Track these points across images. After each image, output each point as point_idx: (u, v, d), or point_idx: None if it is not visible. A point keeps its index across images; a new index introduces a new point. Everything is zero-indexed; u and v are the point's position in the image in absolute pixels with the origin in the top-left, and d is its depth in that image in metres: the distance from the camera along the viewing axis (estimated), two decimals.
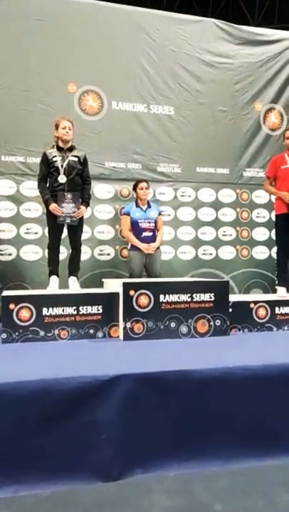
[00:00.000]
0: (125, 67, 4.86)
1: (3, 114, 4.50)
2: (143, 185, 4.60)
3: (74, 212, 3.91)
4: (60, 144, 3.96)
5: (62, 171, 3.88)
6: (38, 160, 4.08)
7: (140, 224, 4.54)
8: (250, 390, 2.65)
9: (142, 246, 4.48)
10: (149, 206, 4.64)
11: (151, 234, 4.59)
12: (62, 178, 3.86)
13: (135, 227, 4.55)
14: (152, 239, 4.57)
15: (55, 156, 3.91)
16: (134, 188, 4.66)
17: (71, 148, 4.01)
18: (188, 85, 5.07)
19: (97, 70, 4.76)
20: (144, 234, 4.55)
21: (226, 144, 5.22)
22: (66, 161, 3.90)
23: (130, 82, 4.89)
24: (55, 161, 3.88)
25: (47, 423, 2.27)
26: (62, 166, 3.89)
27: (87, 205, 4.05)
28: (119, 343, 3.28)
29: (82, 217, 4.06)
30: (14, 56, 4.52)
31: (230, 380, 2.60)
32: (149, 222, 4.57)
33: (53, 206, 3.85)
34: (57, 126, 3.94)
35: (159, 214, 4.68)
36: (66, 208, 3.87)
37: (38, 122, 4.50)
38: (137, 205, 4.62)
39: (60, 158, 3.90)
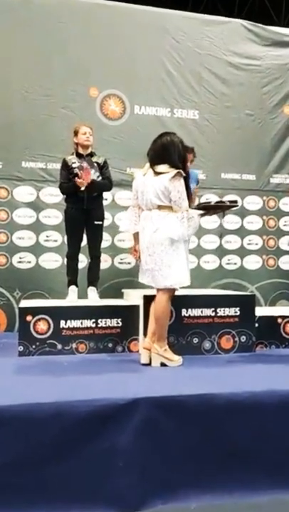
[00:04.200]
0: (148, 70, 4.73)
1: (24, 120, 4.42)
2: (189, 157, 3.92)
3: (98, 177, 3.78)
4: (80, 151, 3.86)
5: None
6: (59, 166, 3.99)
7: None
8: (277, 417, 2.47)
9: None
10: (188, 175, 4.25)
11: None
12: (81, 188, 3.74)
13: None
14: None
15: (75, 163, 3.80)
16: None
17: (91, 155, 3.89)
18: (213, 88, 4.90)
19: (120, 73, 4.64)
20: None
21: (252, 149, 5.03)
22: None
23: (153, 85, 4.75)
24: (75, 168, 3.77)
25: (61, 449, 2.14)
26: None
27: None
28: (138, 361, 3.12)
29: (102, 225, 3.94)
30: (36, 60, 4.45)
31: (255, 406, 2.43)
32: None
33: (79, 173, 3.68)
34: (76, 132, 3.83)
35: (197, 183, 4.26)
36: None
37: (60, 127, 4.41)
38: None
39: (79, 164, 3.79)
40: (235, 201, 3.30)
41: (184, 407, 2.32)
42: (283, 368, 3.06)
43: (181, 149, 3.04)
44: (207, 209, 3.17)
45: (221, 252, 4.98)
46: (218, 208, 3.32)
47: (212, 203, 3.28)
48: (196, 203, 4.27)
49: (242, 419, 2.41)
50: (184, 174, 2.99)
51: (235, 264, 5.06)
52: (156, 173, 3.00)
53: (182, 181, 2.97)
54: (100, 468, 2.14)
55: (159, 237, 2.96)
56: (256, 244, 5.09)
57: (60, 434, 2.14)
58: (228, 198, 5.00)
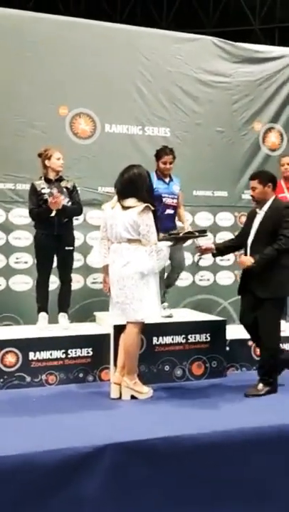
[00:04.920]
0: (119, 88, 4.67)
1: None
2: (168, 158, 4.00)
3: (68, 203, 3.73)
4: (50, 176, 3.80)
5: None
6: (28, 186, 3.92)
7: (164, 199, 3.95)
8: (247, 454, 2.52)
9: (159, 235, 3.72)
10: (171, 179, 4.11)
11: (173, 212, 4.06)
12: (52, 212, 3.69)
13: (158, 204, 3.77)
14: (173, 219, 4.06)
15: (44, 188, 3.74)
16: (157, 157, 4.09)
17: (60, 179, 3.85)
18: (184, 106, 4.88)
19: (89, 91, 4.57)
20: (168, 211, 4.00)
21: (223, 166, 5.04)
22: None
23: (124, 103, 4.70)
24: (44, 194, 3.72)
25: (27, 502, 2.12)
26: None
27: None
28: (108, 394, 3.10)
29: (73, 250, 3.90)
30: (4, 79, 4.34)
31: (223, 444, 2.46)
32: (173, 198, 4.03)
33: (50, 200, 3.62)
34: (50, 156, 3.77)
35: (180, 189, 4.16)
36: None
37: (28, 147, 4.29)
38: (159, 177, 4.06)
39: (50, 190, 3.74)
40: (205, 231, 3.31)
41: (152, 450, 2.33)
42: (251, 401, 3.08)
43: (149, 181, 3.03)
44: (176, 240, 3.18)
45: (194, 268, 5.00)
46: (187, 239, 3.33)
47: (181, 235, 3.28)
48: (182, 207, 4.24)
49: (213, 459, 2.44)
50: (152, 208, 2.98)
51: (208, 280, 5.08)
52: (125, 207, 2.99)
53: (151, 215, 2.97)
54: None
55: (129, 271, 2.96)
56: (228, 260, 5.11)
57: (25, 486, 2.13)
58: (200, 215, 5.08)
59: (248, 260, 3.16)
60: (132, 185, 2.99)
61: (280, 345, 3.39)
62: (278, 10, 16.38)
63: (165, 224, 3.88)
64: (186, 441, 2.40)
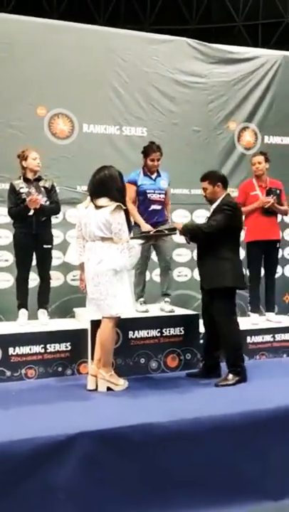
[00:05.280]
0: (96, 89, 4.76)
1: None
2: (155, 155, 4.03)
3: (46, 202, 3.81)
4: (28, 175, 3.90)
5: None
6: (7, 186, 4.01)
7: (149, 195, 4.00)
8: (217, 441, 2.64)
9: (146, 227, 3.80)
10: (158, 175, 4.16)
11: (160, 207, 4.09)
12: (30, 211, 3.79)
13: (143, 200, 3.98)
14: (161, 214, 4.09)
15: (22, 188, 3.84)
16: (144, 154, 4.12)
17: (38, 179, 3.94)
18: (161, 106, 4.99)
19: (67, 92, 4.65)
20: (153, 207, 4.04)
21: (200, 165, 5.10)
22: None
23: (102, 104, 4.79)
24: (23, 193, 3.81)
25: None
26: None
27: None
28: (85, 386, 3.22)
29: (51, 248, 4.00)
30: None
31: (192, 432, 2.59)
32: (160, 194, 4.06)
33: (28, 199, 3.69)
34: (26, 157, 3.86)
35: (168, 184, 4.18)
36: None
37: (7, 147, 4.39)
38: (145, 173, 4.12)
39: (28, 189, 3.83)
40: (174, 229, 3.45)
41: (122, 438, 2.45)
42: (221, 390, 3.22)
43: (120, 182, 3.15)
44: (146, 238, 3.31)
45: (172, 265, 5.12)
46: (158, 237, 3.47)
47: (151, 233, 3.41)
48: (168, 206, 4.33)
49: (180, 446, 2.56)
50: (123, 207, 3.10)
51: (185, 276, 5.22)
52: (98, 207, 3.10)
53: (122, 214, 3.09)
54: (40, 506, 2.24)
55: (103, 268, 3.07)
56: None
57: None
58: (177, 213, 5.20)
59: (179, 224, 3.48)
60: (103, 186, 3.11)
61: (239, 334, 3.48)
62: (261, 7, 16.58)
63: (153, 219, 4.00)
64: (156, 429, 2.53)
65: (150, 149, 4.13)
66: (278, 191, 4.37)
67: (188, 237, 3.42)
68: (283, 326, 4.21)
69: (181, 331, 3.70)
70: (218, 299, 3.36)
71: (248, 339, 4.01)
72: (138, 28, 9.01)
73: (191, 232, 3.40)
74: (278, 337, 4.11)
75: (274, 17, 16.45)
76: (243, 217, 3.80)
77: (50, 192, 3.95)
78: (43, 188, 3.92)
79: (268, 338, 4.07)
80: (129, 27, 6.02)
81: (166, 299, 4.11)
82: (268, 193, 4.34)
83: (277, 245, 4.46)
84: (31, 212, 3.77)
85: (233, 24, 16.83)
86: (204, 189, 3.53)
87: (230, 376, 3.32)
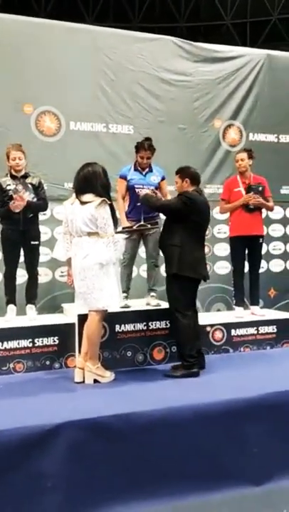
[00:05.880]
0: (83, 87, 4.82)
1: None
2: (144, 154, 4.08)
3: (33, 198, 3.86)
4: (14, 173, 3.94)
5: None
6: None
7: (137, 190, 4.01)
8: (193, 429, 2.71)
9: (126, 224, 3.84)
10: (150, 170, 4.19)
11: None
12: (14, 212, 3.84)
13: (132, 194, 4.04)
14: (150, 209, 3.98)
15: (10, 185, 3.88)
16: (136, 150, 4.17)
17: (25, 176, 3.99)
18: (147, 104, 5.07)
19: (54, 90, 4.71)
20: None
21: (186, 162, 5.09)
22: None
23: (88, 102, 4.86)
24: (9, 190, 3.86)
25: None
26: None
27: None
28: (73, 378, 3.29)
29: (39, 245, 4.06)
30: None
31: (175, 421, 2.67)
32: (148, 189, 4.02)
33: (15, 196, 3.73)
34: (8, 157, 3.91)
35: (163, 179, 4.18)
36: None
37: None
38: (136, 169, 4.16)
39: (14, 186, 3.88)
40: (156, 222, 3.55)
41: (107, 427, 2.52)
42: (203, 380, 3.31)
43: (104, 177, 3.22)
44: (131, 232, 3.40)
45: (159, 261, 5.20)
46: (140, 231, 3.56)
47: (134, 227, 3.50)
48: (169, 197, 4.24)
49: (164, 435, 2.64)
50: (108, 202, 3.17)
51: None
52: (83, 203, 3.17)
53: (107, 208, 3.16)
54: (28, 495, 2.30)
55: (89, 263, 3.14)
56: None
57: None
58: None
59: (143, 192, 3.78)
60: (88, 182, 3.18)
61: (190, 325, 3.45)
62: (250, 5, 16.71)
63: (141, 214, 3.96)
64: (140, 418, 2.60)
65: (141, 147, 4.19)
66: (260, 188, 4.45)
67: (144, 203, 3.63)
68: (267, 319, 4.31)
69: (166, 325, 3.77)
70: (168, 287, 3.48)
71: (233, 332, 4.10)
72: (127, 26, 9.07)
73: (148, 203, 3.60)
74: (262, 330, 4.20)
75: (262, 15, 16.63)
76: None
77: (37, 189, 4.00)
78: (30, 185, 3.96)
79: (251, 330, 4.17)
80: (118, 25, 6.09)
81: (153, 294, 4.19)
82: (248, 190, 4.42)
83: (261, 241, 4.54)
84: (18, 210, 3.81)
85: (222, 22, 16.98)
86: (175, 182, 3.66)
87: (180, 368, 3.40)
